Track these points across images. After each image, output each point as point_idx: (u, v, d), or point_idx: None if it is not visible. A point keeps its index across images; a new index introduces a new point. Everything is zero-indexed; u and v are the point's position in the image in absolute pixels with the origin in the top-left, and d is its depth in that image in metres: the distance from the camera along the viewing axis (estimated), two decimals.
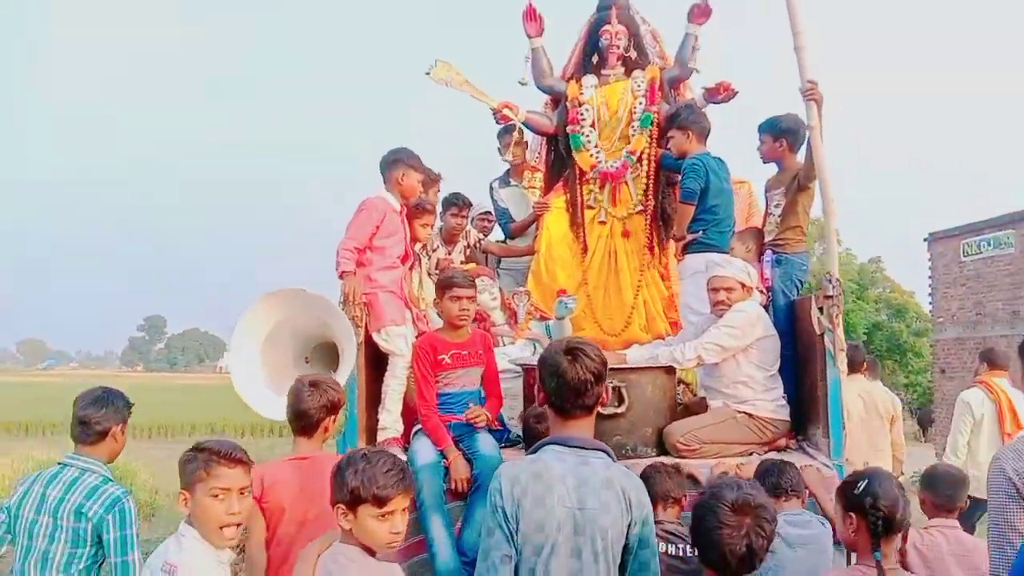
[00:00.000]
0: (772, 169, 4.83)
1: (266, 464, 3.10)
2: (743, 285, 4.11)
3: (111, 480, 2.97)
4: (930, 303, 19.61)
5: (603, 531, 2.16)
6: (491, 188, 6.00)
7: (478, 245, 5.73)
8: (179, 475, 2.42)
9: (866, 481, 2.41)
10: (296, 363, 3.93)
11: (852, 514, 2.40)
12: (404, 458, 3.95)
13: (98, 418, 2.97)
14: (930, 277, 19.35)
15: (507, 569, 2.17)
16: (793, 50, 4.03)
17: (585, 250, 5.51)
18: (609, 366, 3.96)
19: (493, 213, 6.10)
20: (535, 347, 5.13)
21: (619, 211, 5.53)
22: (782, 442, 4.08)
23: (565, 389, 2.29)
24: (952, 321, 18.47)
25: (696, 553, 2.29)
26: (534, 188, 5.89)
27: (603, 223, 5.55)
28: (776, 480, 3.29)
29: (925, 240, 19.21)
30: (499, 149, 5.98)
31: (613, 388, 3.90)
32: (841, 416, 3.79)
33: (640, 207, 5.50)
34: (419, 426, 4.07)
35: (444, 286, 4.04)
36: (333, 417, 3.16)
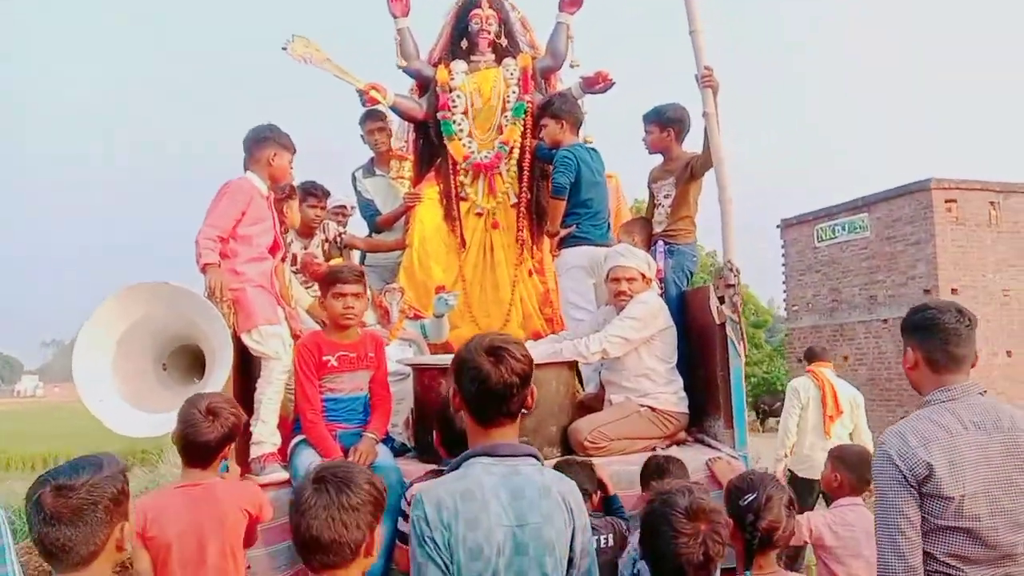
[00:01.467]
0: (641, 162, 4.79)
1: (150, 494, 2.60)
2: (643, 276, 4.00)
3: None
4: (784, 292, 18.78)
5: (549, 547, 1.88)
6: (354, 178, 5.56)
7: (339, 239, 5.27)
8: None
9: (753, 496, 2.30)
10: (153, 370, 3.34)
11: (732, 520, 2.26)
12: (286, 475, 3.55)
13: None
14: (784, 264, 18.56)
15: None
16: (688, 34, 3.96)
17: (463, 244, 5.23)
18: None
19: (350, 206, 5.67)
20: (413, 348, 4.78)
21: (491, 203, 5.29)
22: (681, 435, 4.01)
23: (488, 395, 1.96)
24: (807, 309, 17.89)
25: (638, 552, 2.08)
26: (403, 178, 5.52)
27: (479, 215, 5.29)
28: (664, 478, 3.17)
29: (777, 227, 18.52)
30: (361, 136, 5.56)
31: None
32: (744, 406, 3.76)
33: (514, 199, 5.30)
34: (299, 437, 3.61)
35: (328, 282, 3.63)
36: (231, 444, 2.69)
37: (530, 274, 5.25)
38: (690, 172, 4.34)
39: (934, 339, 2.27)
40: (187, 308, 3.19)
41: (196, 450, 2.65)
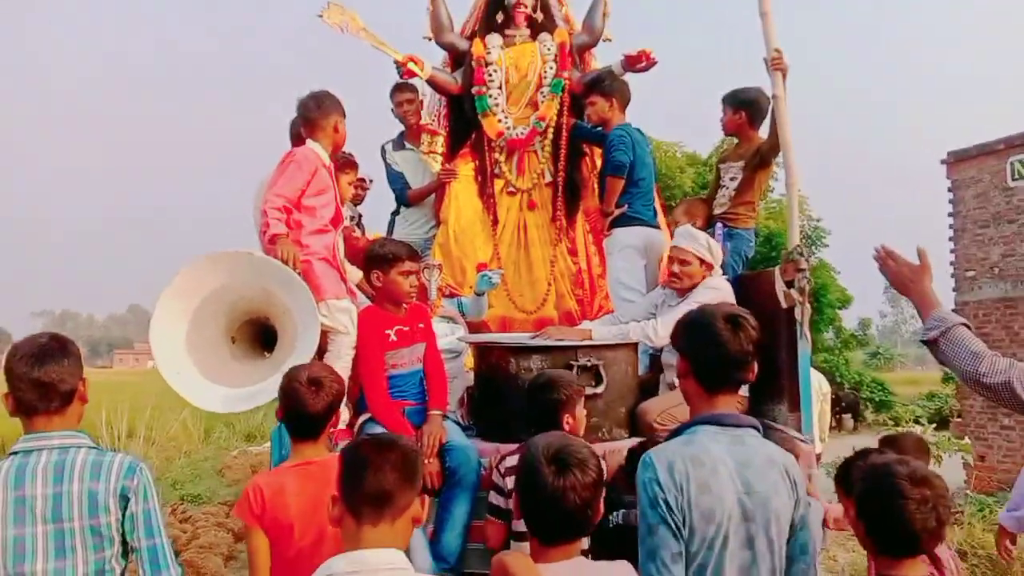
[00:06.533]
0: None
1: (263, 474, 2.50)
2: (702, 261, 3.97)
3: (107, 450, 2.18)
4: (952, 251, 12.99)
5: (776, 516, 1.93)
6: (383, 150, 5.41)
7: (357, 219, 5.16)
8: None
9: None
10: (225, 343, 3.20)
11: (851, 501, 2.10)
12: None
13: (63, 374, 2.11)
14: (952, 214, 12.99)
15: (680, 569, 1.85)
16: (759, 16, 3.93)
17: (496, 222, 5.14)
18: (579, 343, 3.80)
19: (368, 179, 5.52)
20: (451, 325, 4.69)
21: (525, 182, 5.22)
22: None
23: (725, 361, 2.00)
24: (993, 275, 12.27)
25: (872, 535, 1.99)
26: (435, 153, 5.39)
27: (512, 193, 5.22)
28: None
29: (943, 162, 13.06)
30: (391, 108, 5.41)
31: (591, 367, 3.61)
32: (810, 391, 3.77)
33: (549, 178, 5.23)
34: (367, 415, 3.51)
35: (391, 259, 3.55)
36: (337, 413, 2.59)
37: (570, 252, 5.20)
38: (760, 158, 4.33)
39: None
40: (270, 279, 3.06)
41: (305, 423, 2.55)
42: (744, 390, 3.96)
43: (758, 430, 2.04)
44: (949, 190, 13.10)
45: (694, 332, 2.07)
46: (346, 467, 1.71)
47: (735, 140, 4.73)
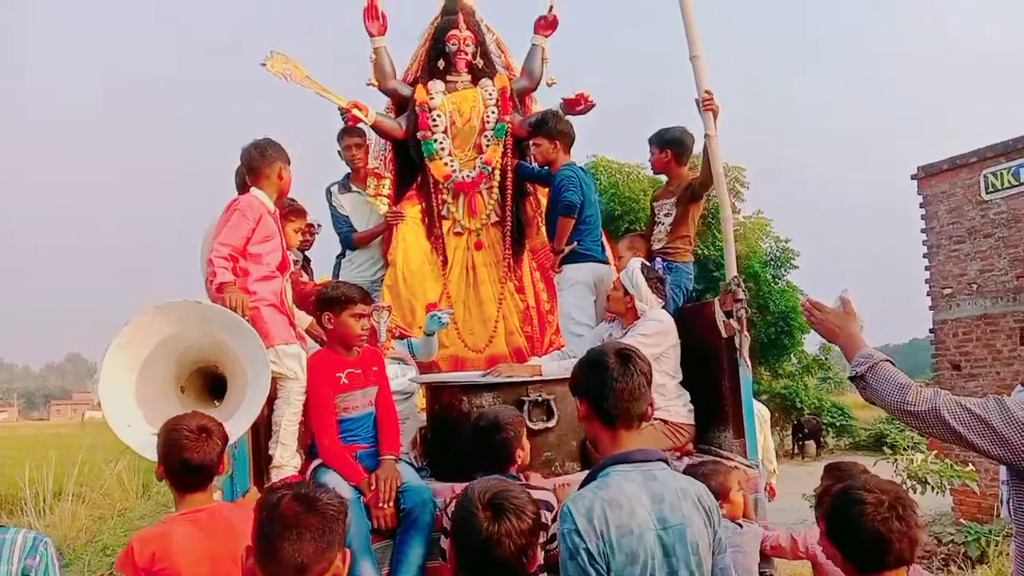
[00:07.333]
0: None
1: (148, 528, 2.50)
2: (626, 291, 4.10)
3: (8, 527, 2.15)
4: (927, 268, 12.53)
5: (693, 546, 1.96)
6: (329, 192, 5.46)
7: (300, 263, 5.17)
8: None
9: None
10: (175, 393, 3.18)
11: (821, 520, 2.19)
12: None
13: None
14: (926, 229, 12.51)
15: None
16: (689, 59, 4.12)
17: (445, 262, 5.22)
18: (530, 378, 3.86)
19: (317, 224, 5.54)
20: (401, 366, 4.72)
21: (474, 223, 5.32)
22: (689, 447, 4.11)
23: (620, 397, 2.03)
24: (971, 291, 11.78)
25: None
26: (382, 196, 5.45)
27: (459, 234, 5.31)
28: (715, 483, 3.25)
29: (913, 178, 12.65)
30: (338, 151, 5.48)
31: (541, 401, 3.68)
32: (754, 418, 3.90)
33: (496, 218, 5.34)
34: (317, 461, 3.51)
35: (343, 302, 3.58)
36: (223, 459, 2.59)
37: (518, 291, 5.29)
38: (691, 193, 4.50)
39: None
40: (219, 327, 3.06)
41: (197, 473, 2.51)
42: (691, 419, 4.08)
43: (666, 462, 2.07)
44: (921, 206, 12.64)
45: (588, 372, 2.10)
46: (262, 529, 1.64)
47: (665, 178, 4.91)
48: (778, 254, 19.24)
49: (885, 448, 11.43)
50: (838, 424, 22.45)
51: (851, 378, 2.30)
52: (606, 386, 2.03)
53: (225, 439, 2.62)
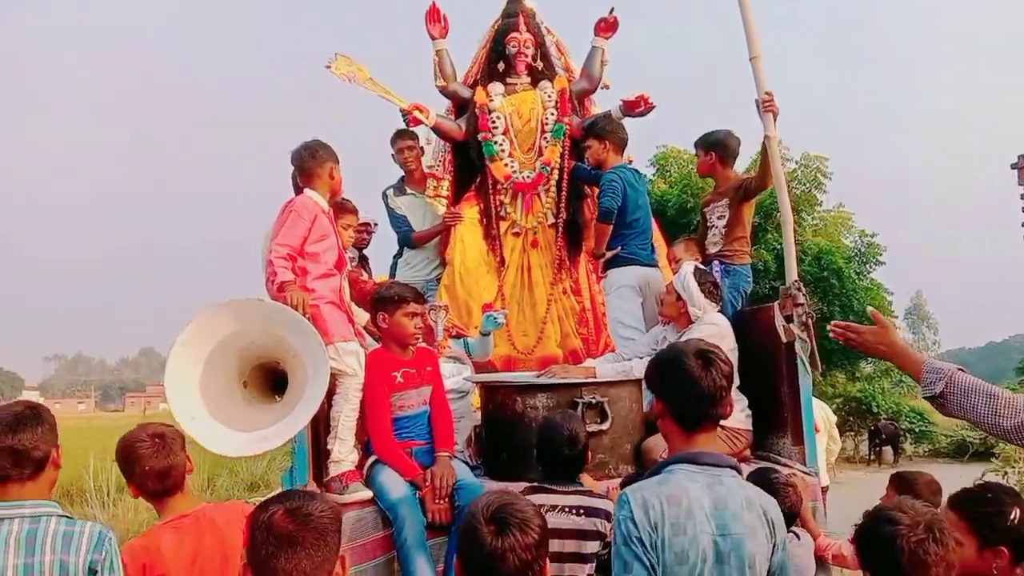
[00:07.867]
0: None
1: (136, 540, 2.50)
2: (678, 296, 4.05)
3: (76, 519, 2.21)
4: None
5: (750, 558, 1.92)
6: (385, 195, 5.55)
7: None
8: None
9: (1017, 511, 2.14)
10: (238, 388, 3.28)
11: (1004, 548, 2.11)
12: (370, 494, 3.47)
13: (37, 441, 2.16)
14: None
15: None
16: (749, 60, 4.06)
17: (502, 263, 5.25)
18: (584, 380, 3.86)
19: (373, 223, 5.64)
20: (457, 365, 4.76)
21: (530, 222, 5.35)
22: (747, 453, 4.04)
23: (698, 398, 2.00)
24: None
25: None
26: (440, 197, 5.52)
27: (517, 235, 5.34)
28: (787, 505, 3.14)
29: (1013, 167, 11.94)
30: (392, 154, 5.56)
31: (595, 404, 3.67)
32: (813, 423, 3.82)
33: (552, 219, 5.35)
34: (373, 457, 3.57)
35: (396, 301, 3.64)
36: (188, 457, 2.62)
37: (565, 293, 5.29)
38: (743, 193, 4.43)
39: None
40: (280, 325, 3.14)
41: (164, 477, 2.52)
42: (748, 424, 4.01)
43: (738, 471, 2.04)
44: (1022, 197, 12.05)
45: (666, 372, 2.06)
46: (255, 540, 1.60)
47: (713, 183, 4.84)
48: (863, 249, 18.19)
49: (993, 459, 10.94)
50: (917, 430, 21.40)
51: (927, 398, 2.17)
52: (686, 388, 2.00)
53: (182, 437, 2.64)
